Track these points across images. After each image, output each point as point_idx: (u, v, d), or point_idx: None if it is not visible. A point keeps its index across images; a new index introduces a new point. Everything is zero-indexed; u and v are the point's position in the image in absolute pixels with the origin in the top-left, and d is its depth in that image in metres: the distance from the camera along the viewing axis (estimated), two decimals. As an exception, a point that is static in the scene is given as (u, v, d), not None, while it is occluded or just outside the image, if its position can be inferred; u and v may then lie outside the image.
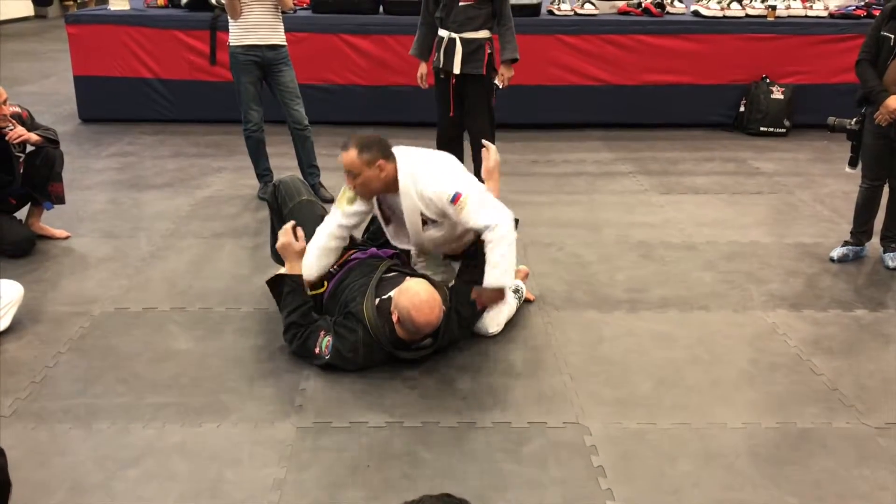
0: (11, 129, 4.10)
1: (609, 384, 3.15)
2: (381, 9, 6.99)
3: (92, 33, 6.83)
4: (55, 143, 4.37)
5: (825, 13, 7.04)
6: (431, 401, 3.01)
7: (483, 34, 4.75)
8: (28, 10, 14.35)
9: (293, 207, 3.62)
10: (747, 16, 6.95)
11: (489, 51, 4.79)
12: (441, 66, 4.83)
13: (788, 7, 7.04)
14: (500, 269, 3.16)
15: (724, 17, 6.91)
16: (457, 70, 4.75)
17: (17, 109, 4.24)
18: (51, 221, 4.54)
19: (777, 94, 6.82)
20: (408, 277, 3.25)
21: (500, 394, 3.07)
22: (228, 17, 4.87)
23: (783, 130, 6.87)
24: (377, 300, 3.18)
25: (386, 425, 2.86)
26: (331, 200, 4.72)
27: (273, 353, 3.33)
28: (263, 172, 5.27)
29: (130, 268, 4.12)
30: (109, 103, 6.96)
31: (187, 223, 4.76)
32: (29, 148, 4.29)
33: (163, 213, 4.90)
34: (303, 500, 2.49)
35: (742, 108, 6.98)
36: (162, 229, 4.64)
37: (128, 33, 6.79)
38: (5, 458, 1.76)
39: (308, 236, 3.41)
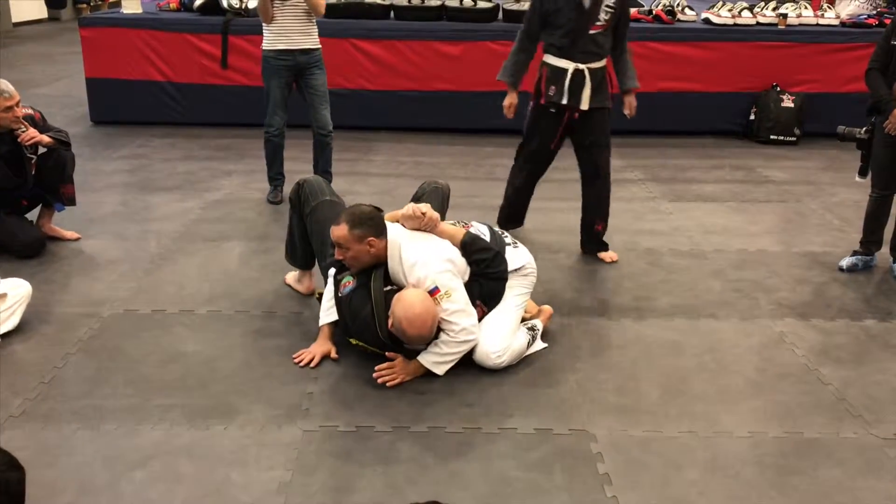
0: (24, 131, 4.13)
1: (616, 392, 3.14)
2: (391, 14, 7.01)
3: (104, 36, 6.87)
4: (67, 144, 4.40)
5: (836, 21, 7.04)
6: (438, 406, 3.02)
7: (605, 63, 4.24)
8: (42, 12, 14.46)
9: (315, 206, 3.62)
10: (758, 23, 6.94)
11: (610, 79, 4.31)
12: (564, 101, 4.17)
13: (799, 15, 7.03)
14: (439, 358, 3.16)
15: (735, 24, 6.92)
16: (585, 106, 4.17)
17: (30, 111, 4.28)
18: (61, 223, 4.57)
19: (787, 102, 6.81)
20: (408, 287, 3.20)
21: (506, 400, 3.07)
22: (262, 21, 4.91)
23: (793, 139, 6.86)
24: (386, 288, 3.19)
25: (392, 430, 2.86)
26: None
27: (281, 357, 3.34)
28: (276, 176, 5.28)
29: (140, 270, 4.14)
30: (121, 106, 7.00)
31: (197, 226, 4.78)
32: (41, 150, 4.32)
33: (172, 216, 4.92)
34: (308, 503, 2.49)
35: (752, 116, 6.97)
36: (171, 232, 4.66)
37: (140, 36, 6.84)
38: (22, 473, 1.78)
39: (326, 235, 3.40)
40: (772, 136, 6.87)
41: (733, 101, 7.00)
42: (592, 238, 4.47)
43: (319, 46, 5.01)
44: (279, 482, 2.58)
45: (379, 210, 3.32)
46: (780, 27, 6.92)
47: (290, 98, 5.10)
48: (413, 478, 2.61)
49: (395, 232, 3.26)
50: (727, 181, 5.88)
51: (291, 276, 3.94)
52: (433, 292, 3.09)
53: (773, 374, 3.29)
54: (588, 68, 4.13)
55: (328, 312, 3.35)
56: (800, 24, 6.99)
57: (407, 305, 3.02)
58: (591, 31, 4.10)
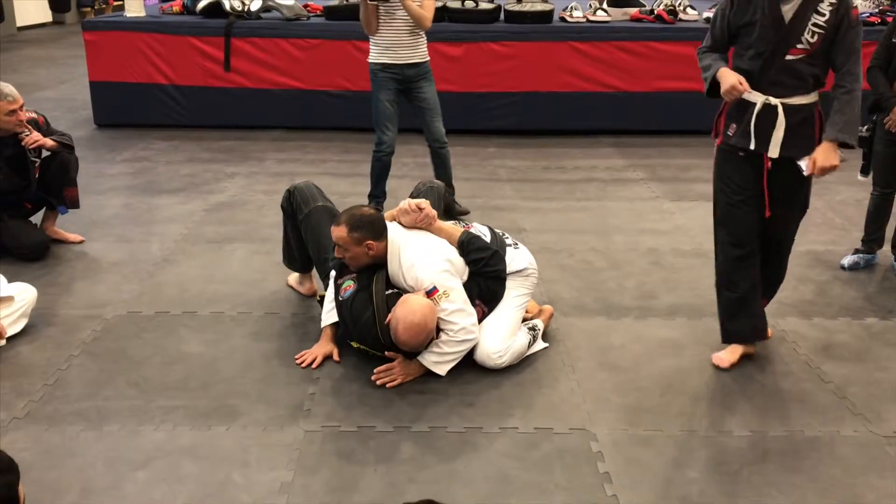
0: (28, 135, 4.15)
1: (616, 391, 3.15)
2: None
3: (108, 39, 6.90)
4: (70, 148, 4.42)
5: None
6: (439, 406, 3.03)
7: (812, 98, 3.14)
8: (46, 16, 14.51)
9: (308, 213, 3.63)
10: (760, 23, 6.92)
11: (820, 122, 3.18)
12: (750, 145, 3.15)
13: (802, 14, 7.01)
14: (440, 358, 3.16)
15: (737, 24, 6.89)
16: (774, 153, 3.13)
17: (34, 115, 4.30)
18: (65, 226, 4.59)
19: (790, 101, 6.79)
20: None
21: (507, 399, 3.08)
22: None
23: (796, 137, 6.84)
24: (388, 291, 3.20)
25: (393, 430, 2.87)
26: (466, 212, 4.92)
27: (283, 358, 3.35)
28: (378, 194, 5.05)
29: (143, 272, 4.16)
30: (124, 109, 7.03)
31: (200, 228, 4.80)
32: (44, 153, 4.34)
33: (176, 218, 4.94)
34: (310, 503, 2.51)
35: (755, 115, 6.95)
36: (175, 234, 4.68)
37: (143, 40, 6.86)
38: (16, 475, 1.78)
39: (322, 242, 3.43)
40: (774, 135, 6.85)
41: (735, 100, 6.98)
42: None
43: (427, 59, 4.78)
44: (281, 482, 2.59)
45: (379, 210, 3.33)
46: (782, 26, 6.90)
47: (401, 108, 4.84)
48: (414, 477, 2.63)
49: (394, 232, 3.27)
50: (729, 180, 5.87)
51: (293, 278, 3.96)
52: (431, 292, 3.10)
53: (774, 373, 3.29)
54: (783, 104, 3.09)
55: (329, 314, 3.37)
56: (802, 23, 6.97)
57: (408, 311, 3.02)
58: (789, 57, 3.06)
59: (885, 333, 3.63)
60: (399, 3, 4.52)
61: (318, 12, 7.19)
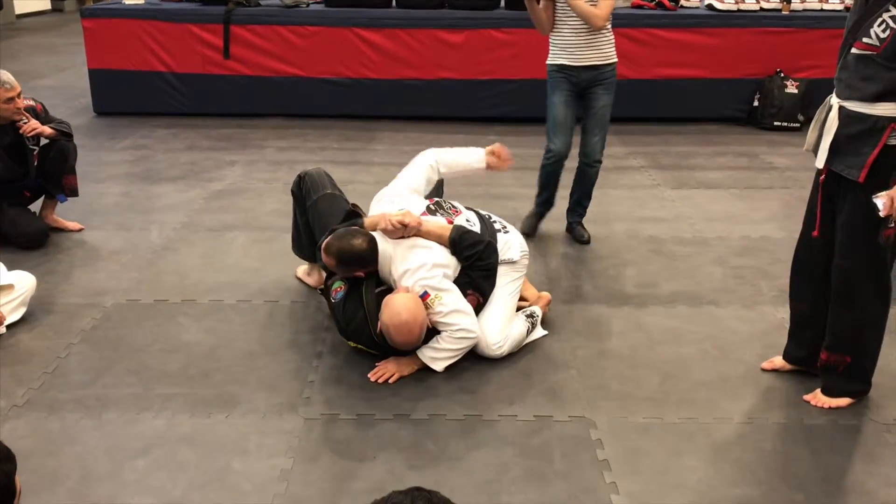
0: (25, 123, 4.14)
1: (616, 378, 3.15)
2: (393, 2, 7.00)
3: (107, 27, 6.87)
4: (69, 136, 4.40)
5: (841, 7, 6.99)
6: (438, 394, 3.03)
7: (880, 111, 2.59)
8: (45, 4, 14.46)
9: (317, 200, 3.61)
10: (762, 9, 6.90)
11: (891, 141, 2.58)
12: (806, 145, 2.91)
13: (804, 0, 6.99)
14: (436, 354, 3.13)
15: (739, 10, 6.87)
16: (820, 163, 2.78)
17: (31, 103, 4.28)
18: (64, 214, 4.58)
19: (791, 88, 6.78)
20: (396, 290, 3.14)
21: (506, 387, 3.08)
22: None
23: (797, 125, 6.83)
24: (378, 289, 3.18)
25: (393, 418, 2.87)
26: (587, 241, 4.40)
27: (282, 346, 3.35)
28: (542, 202, 4.58)
29: (142, 260, 4.15)
30: (124, 97, 7.01)
31: (199, 216, 4.79)
32: (43, 141, 4.33)
33: (175, 206, 4.93)
34: (309, 490, 2.51)
35: (756, 103, 6.94)
36: (174, 222, 4.67)
37: (142, 27, 6.84)
38: (13, 464, 1.77)
39: (328, 230, 3.41)
40: (775, 123, 6.84)
41: (736, 87, 6.97)
42: (818, 369, 3.03)
43: (611, 62, 4.23)
44: (280, 469, 2.59)
45: (368, 235, 3.20)
46: (784, 12, 6.88)
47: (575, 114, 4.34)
48: (414, 464, 2.63)
49: (383, 243, 3.19)
50: (730, 168, 5.86)
51: (302, 269, 3.94)
52: (423, 297, 3.06)
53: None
54: (841, 107, 2.69)
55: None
56: (804, 10, 6.95)
57: (393, 313, 2.98)
58: (855, 50, 2.64)
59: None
60: None
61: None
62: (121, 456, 2.65)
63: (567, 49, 4.16)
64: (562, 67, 4.21)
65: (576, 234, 4.49)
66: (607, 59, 4.21)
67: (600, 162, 4.38)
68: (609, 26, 4.18)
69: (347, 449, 2.70)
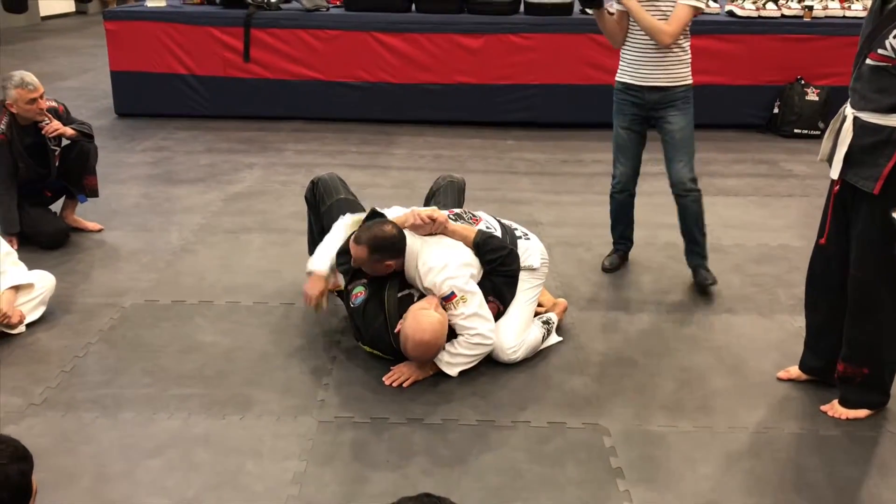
0: (47, 123, 4.19)
1: (631, 386, 3.14)
2: (412, 7, 7.01)
3: (129, 29, 6.94)
4: (90, 137, 4.45)
5: (864, 14, 6.92)
6: (452, 399, 3.03)
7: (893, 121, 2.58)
8: (69, 6, 14.60)
9: (331, 205, 3.62)
10: (783, 16, 6.86)
11: None
12: (820, 155, 2.94)
13: (826, 7, 6.94)
14: (451, 358, 3.13)
15: (759, 17, 6.83)
16: (834, 174, 2.77)
17: (54, 104, 4.33)
18: (85, 214, 4.63)
19: (812, 95, 6.73)
20: (425, 301, 3.13)
21: (520, 393, 3.08)
22: None
23: (817, 133, 6.76)
24: (399, 294, 3.19)
25: (406, 422, 2.88)
26: (711, 284, 3.91)
27: (298, 348, 3.36)
28: (619, 237, 4.24)
29: (161, 261, 4.18)
30: (145, 98, 7.07)
31: (218, 218, 4.82)
32: (64, 142, 4.37)
33: (194, 208, 4.96)
34: (322, 493, 2.52)
35: (776, 110, 6.90)
36: (193, 224, 4.70)
37: (163, 29, 6.89)
38: (30, 464, 1.79)
39: None
40: (795, 130, 6.80)
41: (757, 94, 6.93)
42: (836, 380, 3.01)
43: (683, 84, 3.78)
44: (294, 472, 2.60)
45: (395, 226, 3.22)
46: (805, 19, 6.83)
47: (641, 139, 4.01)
48: (426, 469, 2.63)
49: (410, 238, 3.21)
50: (749, 175, 5.83)
51: None
52: (449, 297, 3.07)
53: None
54: (856, 117, 2.67)
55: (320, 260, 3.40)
56: (826, 17, 6.90)
57: (419, 328, 3.00)
58: (870, 60, 2.61)
59: None
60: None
61: (338, 3, 7.19)
62: (136, 456, 2.67)
63: (633, 66, 3.82)
64: (626, 87, 3.86)
65: (698, 278, 3.97)
66: (677, 81, 3.78)
67: (696, 190, 3.87)
68: (685, 45, 3.78)
69: (361, 452, 2.71)
